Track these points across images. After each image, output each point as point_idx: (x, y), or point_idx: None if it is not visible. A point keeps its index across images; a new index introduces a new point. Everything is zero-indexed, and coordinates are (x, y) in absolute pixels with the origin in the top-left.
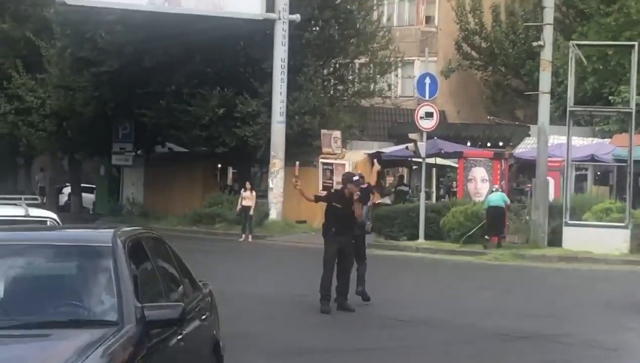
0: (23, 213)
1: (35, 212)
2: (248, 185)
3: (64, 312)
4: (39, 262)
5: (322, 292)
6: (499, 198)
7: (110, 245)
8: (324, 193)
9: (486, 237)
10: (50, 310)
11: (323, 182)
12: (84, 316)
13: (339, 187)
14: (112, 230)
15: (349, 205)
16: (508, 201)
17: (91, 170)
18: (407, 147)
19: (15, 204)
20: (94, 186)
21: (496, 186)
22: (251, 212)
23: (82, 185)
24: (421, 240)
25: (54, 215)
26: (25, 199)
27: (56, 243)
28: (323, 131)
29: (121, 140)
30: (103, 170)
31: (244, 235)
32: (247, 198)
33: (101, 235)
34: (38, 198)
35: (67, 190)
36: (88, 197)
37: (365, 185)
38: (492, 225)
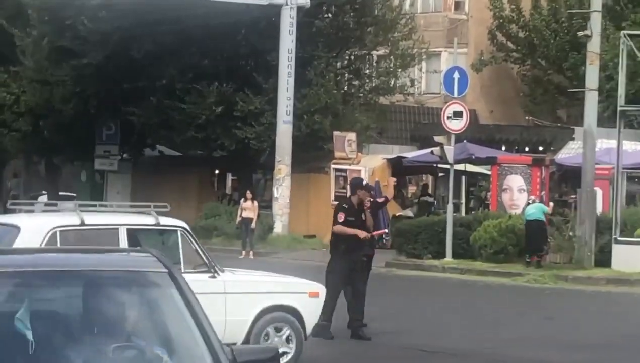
0: (153, 222)
1: (166, 221)
2: (249, 194)
3: None
4: (76, 295)
5: (323, 316)
6: (537, 210)
7: (167, 271)
8: (342, 215)
9: (526, 256)
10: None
11: (335, 191)
12: None
13: (347, 196)
14: (148, 252)
15: (360, 215)
16: (549, 211)
17: (71, 176)
18: (432, 152)
19: (144, 213)
20: (74, 194)
21: (533, 197)
22: (253, 225)
23: (61, 193)
24: (448, 258)
25: (185, 224)
26: (155, 207)
27: (94, 269)
28: (335, 133)
29: (105, 142)
30: (84, 176)
31: (244, 251)
32: (248, 209)
33: (145, 259)
34: (167, 206)
35: (43, 198)
36: (67, 207)
37: (382, 199)
38: (531, 241)
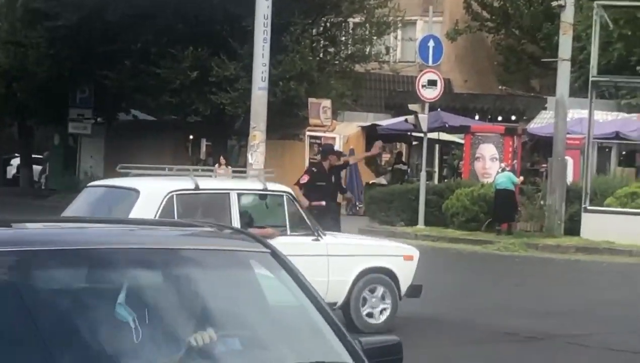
0: (261, 187)
1: (273, 186)
2: (222, 160)
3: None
4: (174, 276)
5: None
6: (506, 179)
7: (269, 251)
8: (306, 177)
9: (496, 225)
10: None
11: (310, 158)
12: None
13: (317, 161)
14: (242, 232)
15: (330, 180)
16: (517, 181)
17: (44, 139)
18: (406, 120)
19: (251, 177)
20: (41, 156)
21: (503, 165)
22: None
23: (34, 156)
24: (421, 226)
25: (290, 190)
26: (266, 172)
27: (193, 248)
28: (311, 100)
29: (79, 106)
30: (58, 139)
31: None
32: (222, 175)
33: (243, 238)
34: (273, 171)
35: (15, 161)
36: (40, 170)
37: (340, 163)
38: (499, 210)
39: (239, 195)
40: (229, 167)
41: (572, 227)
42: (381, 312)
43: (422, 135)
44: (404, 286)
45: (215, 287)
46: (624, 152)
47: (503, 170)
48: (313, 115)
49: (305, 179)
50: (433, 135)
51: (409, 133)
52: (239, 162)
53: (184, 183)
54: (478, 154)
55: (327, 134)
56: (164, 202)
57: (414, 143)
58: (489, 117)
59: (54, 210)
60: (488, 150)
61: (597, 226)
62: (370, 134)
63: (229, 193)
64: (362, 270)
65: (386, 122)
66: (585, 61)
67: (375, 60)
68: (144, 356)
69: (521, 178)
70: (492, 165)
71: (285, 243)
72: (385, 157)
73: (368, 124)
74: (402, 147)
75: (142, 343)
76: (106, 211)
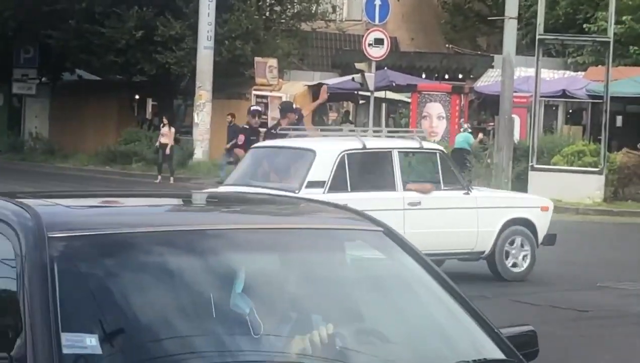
0: (417, 145)
1: (428, 145)
2: (165, 120)
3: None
4: (288, 259)
5: None
6: (463, 139)
7: (382, 229)
8: (241, 138)
9: None
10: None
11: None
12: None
13: (276, 120)
14: (344, 209)
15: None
16: (472, 142)
17: None
18: (353, 79)
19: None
20: None
21: (466, 125)
22: (167, 151)
23: None
24: None
25: (442, 148)
26: (417, 133)
27: (306, 227)
28: (257, 59)
29: (23, 66)
30: (1, 99)
31: (159, 176)
32: (165, 135)
33: (351, 215)
34: (424, 131)
35: None
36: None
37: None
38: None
39: (400, 153)
40: (172, 128)
41: (519, 186)
42: (523, 258)
43: (369, 94)
44: (540, 235)
45: (330, 271)
46: (570, 110)
47: (465, 130)
48: (259, 74)
49: (241, 140)
50: (380, 94)
51: (355, 92)
52: (185, 121)
53: (353, 143)
54: (425, 112)
55: (274, 93)
56: (337, 161)
57: (361, 102)
58: (436, 75)
59: (0, 170)
60: (435, 108)
61: (544, 184)
62: (317, 93)
63: (391, 151)
64: (507, 220)
65: (333, 81)
66: (532, 19)
67: (321, 18)
68: (263, 352)
69: (480, 135)
70: (439, 123)
71: (439, 197)
72: (333, 116)
73: (315, 83)
74: (349, 106)
75: (261, 338)
76: (282, 171)
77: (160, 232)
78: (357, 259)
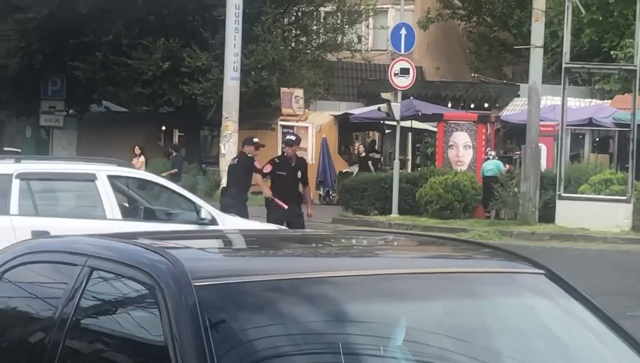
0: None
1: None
2: (137, 149)
3: None
4: (449, 307)
5: None
6: (494, 166)
7: (543, 271)
8: (269, 167)
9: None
10: None
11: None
12: None
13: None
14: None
15: (295, 172)
16: (503, 171)
17: (16, 132)
18: (379, 108)
19: None
20: (18, 150)
21: (493, 153)
22: None
23: (5, 148)
24: (394, 214)
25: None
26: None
27: (466, 271)
28: (283, 89)
29: (51, 98)
30: (30, 131)
31: None
32: (135, 165)
33: (505, 256)
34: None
35: None
36: None
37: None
38: (487, 197)
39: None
40: (142, 158)
41: (547, 215)
42: None
43: (394, 123)
44: None
45: (497, 319)
46: (597, 139)
47: (493, 157)
48: (285, 104)
49: (268, 168)
50: (406, 123)
51: (381, 121)
52: (211, 152)
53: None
54: (451, 141)
55: (300, 124)
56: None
57: (387, 131)
58: (462, 104)
59: None
60: (461, 137)
61: (571, 213)
62: (343, 123)
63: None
64: None
65: (359, 110)
66: (558, 47)
67: (347, 49)
68: None
69: (508, 166)
70: (465, 152)
71: None
72: (358, 145)
73: (340, 113)
74: (375, 136)
75: None
76: None
77: (311, 279)
78: (521, 305)
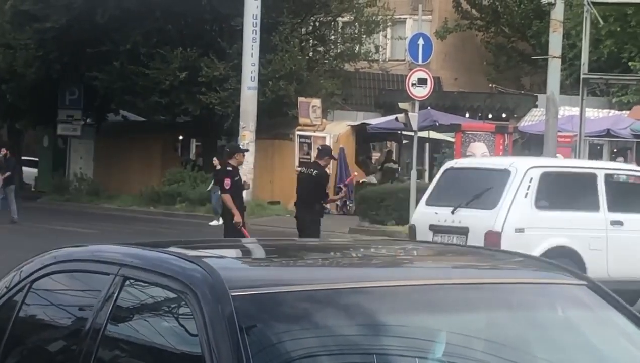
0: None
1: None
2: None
3: None
4: (488, 319)
5: None
6: None
7: (585, 282)
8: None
9: None
10: None
11: (300, 157)
12: None
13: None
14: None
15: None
16: None
17: (34, 141)
18: (396, 118)
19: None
20: (36, 159)
21: None
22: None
23: (23, 158)
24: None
25: None
26: None
27: (509, 281)
28: (300, 99)
29: (68, 107)
30: (47, 141)
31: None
32: None
33: (546, 266)
34: None
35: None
36: (29, 172)
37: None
38: None
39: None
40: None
41: None
42: None
43: (412, 133)
44: None
45: (540, 331)
46: (615, 149)
47: None
48: (303, 114)
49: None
50: (423, 133)
51: (399, 132)
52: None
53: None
54: (469, 152)
55: (317, 133)
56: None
57: (404, 141)
58: (480, 115)
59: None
60: (479, 148)
61: None
62: (360, 132)
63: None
64: None
65: (376, 120)
66: (576, 58)
67: (364, 59)
68: None
69: None
70: None
71: None
72: (376, 156)
73: (358, 122)
74: (393, 146)
75: None
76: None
77: (350, 289)
78: (563, 317)
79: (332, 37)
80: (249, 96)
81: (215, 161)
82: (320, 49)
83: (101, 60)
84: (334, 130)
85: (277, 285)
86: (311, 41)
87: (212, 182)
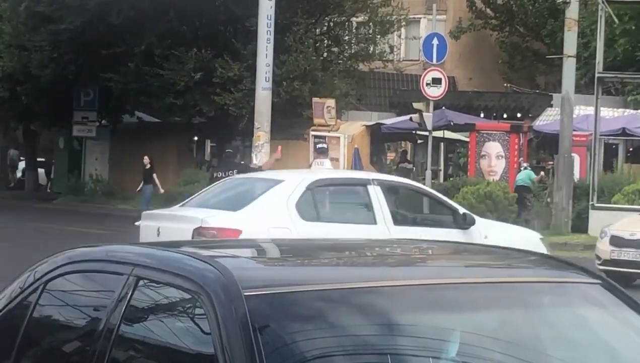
0: None
1: None
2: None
3: None
4: (502, 319)
5: None
6: (525, 176)
7: (599, 281)
8: None
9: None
10: None
11: (315, 158)
12: None
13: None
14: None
15: None
16: (534, 179)
17: (49, 142)
18: (411, 118)
19: None
20: (42, 160)
21: (526, 164)
22: None
23: (39, 159)
24: None
25: None
26: None
27: (522, 280)
28: (315, 99)
29: (83, 108)
30: (62, 142)
31: None
32: None
33: (557, 263)
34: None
35: (21, 165)
36: (44, 174)
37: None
38: (519, 206)
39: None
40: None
41: (580, 225)
42: None
43: (427, 133)
44: None
45: (555, 330)
46: (630, 149)
47: (525, 168)
48: (317, 114)
49: None
50: (438, 133)
51: (413, 131)
52: (243, 162)
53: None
54: (484, 151)
55: (332, 134)
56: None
57: (419, 141)
58: (494, 114)
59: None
60: (494, 147)
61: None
62: (375, 133)
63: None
64: None
65: (390, 120)
66: (591, 57)
67: (379, 59)
68: None
69: (542, 173)
70: (497, 163)
71: None
72: (390, 156)
73: (372, 123)
74: (407, 146)
75: None
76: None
77: (363, 288)
78: (577, 316)
79: (347, 37)
80: (263, 97)
81: (146, 159)
82: (335, 49)
83: (116, 61)
84: (348, 131)
85: (290, 285)
86: (325, 41)
87: (142, 182)
